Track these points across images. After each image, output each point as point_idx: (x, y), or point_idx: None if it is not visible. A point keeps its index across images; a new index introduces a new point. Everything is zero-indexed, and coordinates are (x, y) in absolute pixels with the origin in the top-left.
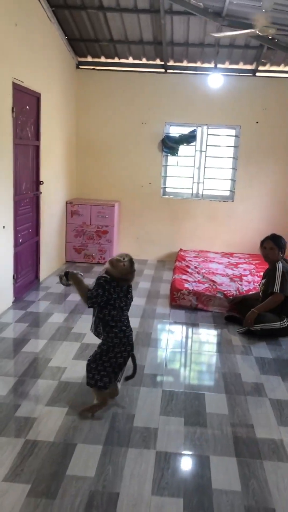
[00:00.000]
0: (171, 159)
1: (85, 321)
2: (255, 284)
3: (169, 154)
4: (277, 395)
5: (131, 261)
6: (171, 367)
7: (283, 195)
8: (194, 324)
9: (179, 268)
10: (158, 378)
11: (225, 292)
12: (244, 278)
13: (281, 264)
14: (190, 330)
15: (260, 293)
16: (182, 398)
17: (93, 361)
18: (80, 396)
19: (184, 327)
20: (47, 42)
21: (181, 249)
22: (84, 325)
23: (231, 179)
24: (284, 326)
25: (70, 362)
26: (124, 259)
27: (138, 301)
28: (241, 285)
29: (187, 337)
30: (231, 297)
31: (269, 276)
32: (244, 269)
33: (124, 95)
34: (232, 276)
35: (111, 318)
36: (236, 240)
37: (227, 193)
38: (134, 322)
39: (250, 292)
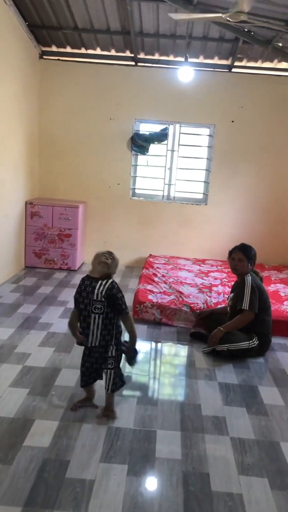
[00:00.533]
0: (141, 159)
1: (33, 337)
2: (225, 296)
3: (138, 153)
4: (240, 431)
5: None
6: (119, 396)
7: (257, 199)
8: (155, 341)
9: (145, 277)
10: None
11: (191, 305)
12: (214, 289)
13: (250, 277)
14: (150, 348)
15: (228, 309)
16: (130, 438)
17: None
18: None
19: (144, 345)
20: (2, 28)
21: (150, 254)
22: (30, 345)
23: (204, 181)
24: (253, 346)
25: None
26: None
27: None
28: (210, 296)
29: (145, 357)
30: (198, 311)
31: (237, 290)
32: (215, 278)
33: (92, 88)
34: (201, 286)
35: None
36: (209, 246)
37: (200, 196)
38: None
39: (219, 306)
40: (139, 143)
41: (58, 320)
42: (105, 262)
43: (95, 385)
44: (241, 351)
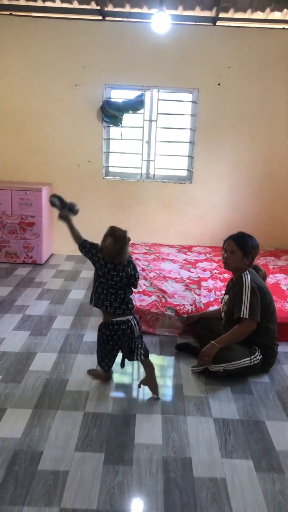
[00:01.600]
0: (114, 131)
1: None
2: (217, 293)
3: (110, 125)
4: (247, 507)
5: (118, 240)
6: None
7: (250, 175)
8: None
9: None
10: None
11: (177, 308)
12: (204, 283)
13: (249, 276)
14: (125, 367)
15: (223, 314)
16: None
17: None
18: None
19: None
20: None
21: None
22: None
23: (188, 156)
24: (255, 362)
25: None
26: (114, 234)
27: (62, 321)
28: (199, 295)
29: (118, 381)
30: (185, 315)
31: (233, 292)
32: (204, 270)
33: (52, 49)
34: (188, 281)
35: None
36: (196, 231)
37: (184, 173)
38: (48, 358)
39: (210, 308)
40: (111, 113)
41: (12, 333)
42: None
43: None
44: (241, 370)
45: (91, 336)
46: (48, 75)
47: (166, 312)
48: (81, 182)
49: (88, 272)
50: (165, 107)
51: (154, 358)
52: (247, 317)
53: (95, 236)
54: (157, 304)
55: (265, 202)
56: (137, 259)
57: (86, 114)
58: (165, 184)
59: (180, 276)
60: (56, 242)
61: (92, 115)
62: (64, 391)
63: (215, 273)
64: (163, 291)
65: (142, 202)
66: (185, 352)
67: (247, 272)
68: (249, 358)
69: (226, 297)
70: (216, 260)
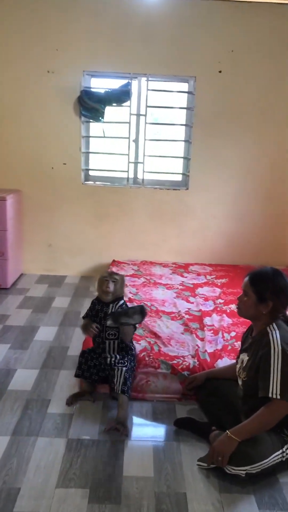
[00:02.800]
0: (95, 127)
1: None
2: (225, 336)
3: (90, 120)
4: None
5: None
6: None
7: (256, 180)
8: (111, 441)
9: None
10: None
11: (174, 362)
12: (207, 321)
13: (277, 333)
14: (100, 454)
15: (240, 382)
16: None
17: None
18: None
19: (86, 449)
20: None
21: (114, 260)
22: None
23: (184, 157)
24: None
25: None
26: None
27: (23, 377)
28: (202, 339)
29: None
30: (186, 374)
31: (256, 354)
32: (206, 299)
33: (18, 28)
34: (187, 318)
35: None
36: (192, 246)
37: (179, 178)
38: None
39: (219, 362)
40: (91, 106)
41: None
42: (107, 292)
43: None
44: (269, 469)
45: (57, 404)
46: (14, 59)
47: (159, 370)
48: (56, 189)
49: (63, 299)
50: (155, 99)
51: (142, 441)
52: (279, 397)
53: (74, 250)
54: (148, 356)
55: (273, 212)
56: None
57: (61, 107)
58: (156, 191)
59: (177, 310)
60: (26, 260)
61: (68, 108)
62: (45, 413)
63: (220, 304)
64: (156, 335)
65: (129, 212)
66: (188, 429)
67: (274, 327)
68: (280, 452)
69: (245, 356)
70: (219, 284)
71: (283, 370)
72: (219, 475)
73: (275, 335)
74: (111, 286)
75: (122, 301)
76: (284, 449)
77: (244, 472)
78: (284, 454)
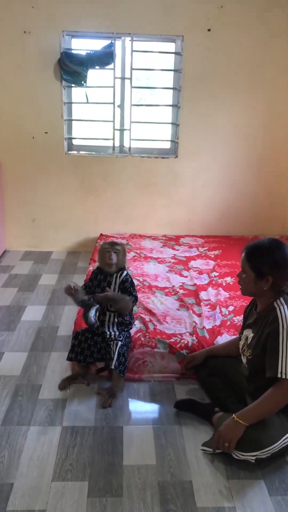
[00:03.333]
0: (77, 93)
1: None
2: (223, 311)
3: (72, 84)
4: None
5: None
6: None
7: (249, 146)
8: (103, 427)
9: None
10: None
11: (171, 340)
12: (203, 295)
13: (285, 308)
14: (97, 442)
15: (244, 360)
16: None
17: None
18: None
19: (82, 437)
20: None
21: (101, 234)
22: None
23: (172, 123)
24: None
25: None
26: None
27: (12, 360)
28: (199, 315)
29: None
30: (184, 353)
31: (262, 331)
32: (200, 272)
33: None
34: (182, 293)
35: None
36: (183, 217)
37: (167, 145)
38: None
39: (219, 339)
40: (72, 69)
41: None
42: (111, 264)
43: None
44: (279, 452)
45: (49, 390)
46: None
47: (156, 349)
48: (38, 160)
49: (50, 277)
50: (141, 60)
51: (141, 425)
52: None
53: (59, 224)
54: (144, 336)
55: (266, 179)
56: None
57: (40, 71)
58: (144, 160)
59: (171, 285)
60: (9, 236)
61: (47, 72)
62: (37, 399)
63: (215, 277)
64: (151, 312)
65: (115, 183)
66: (189, 411)
67: (282, 301)
68: None
69: (250, 333)
70: (212, 256)
71: None
72: (225, 460)
73: (283, 311)
74: (114, 258)
75: (125, 273)
76: None
77: (253, 457)
78: None
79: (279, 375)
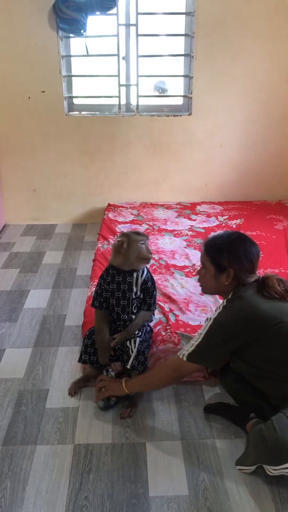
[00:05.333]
0: (76, 44)
1: None
2: None
3: (70, 34)
4: None
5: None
6: None
7: (272, 98)
8: (123, 444)
9: (102, 258)
10: None
11: (194, 334)
12: None
13: (224, 302)
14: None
15: None
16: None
17: None
18: None
19: (98, 458)
20: None
21: (109, 204)
22: None
23: (185, 76)
24: None
25: None
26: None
27: (14, 358)
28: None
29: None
30: None
31: None
32: None
33: None
34: None
35: None
36: (198, 182)
37: (180, 102)
38: None
39: None
40: (69, 15)
41: None
42: (149, 259)
43: None
44: None
45: (57, 396)
46: None
47: (179, 347)
48: (35, 123)
49: (54, 254)
50: (148, 3)
51: (168, 440)
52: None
53: (63, 194)
54: (163, 332)
55: None
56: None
57: (33, 19)
58: (154, 119)
59: (191, 263)
60: (9, 208)
61: (41, 20)
62: (44, 409)
63: None
64: (171, 299)
65: (123, 146)
66: (220, 415)
67: (229, 298)
68: None
69: None
70: (234, 226)
71: (205, 337)
72: (272, 482)
73: (222, 304)
74: (151, 252)
75: (146, 271)
76: None
77: None
78: None
79: (180, 355)
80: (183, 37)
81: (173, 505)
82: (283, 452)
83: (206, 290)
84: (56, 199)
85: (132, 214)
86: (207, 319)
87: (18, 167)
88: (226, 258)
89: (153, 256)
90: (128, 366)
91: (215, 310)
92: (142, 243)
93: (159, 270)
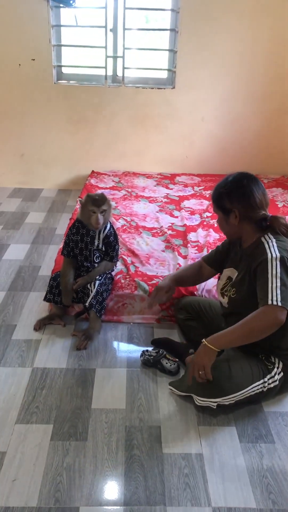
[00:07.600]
0: (66, 14)
1: None
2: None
3: (60, 4)
4: None
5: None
6: None
7: (253, 74)
8: (75, 369)
9: None
10: None
11: (152, 282)
12: (191, 236)
13: (273, 241)
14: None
15: (226, 302)
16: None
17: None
18: None
19: (52, 379)
20: None
21: (93, 171)
22: None
23: (169, 50)
24: (273, 385)
25: None
26: None
27: None
28: (184, 257)
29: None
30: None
31: (248, 268)
32: (192, 212)
33: None
34: (169, 234)
35: None
36: (180, 154)
37: (164, 75)
38: None
39: (202, 285)
40: None
41: None
42: (97, 227)
43: None
44: (247, 399)
45: (23, 330)
46: None
47: (136, 293)
48: (24, 90)
49: (37, 215)
50: None
51: (115, 368)
52: (279, 304)
53: (49, 160)
54: (124, 278)
55: (271, 114)
56: None
57: None
58: (139, 91)
59: (159, 225)
60: None
61: None
62: (10, 340)
63: (207, 218)
64: (133, 253)
65: (108, 116)
66: (165, 349)
67: (270, 236)
68: (261, 382)
69: (233, 272)
70: (207, 196)
71: (282, 278)
72: (198, 406)
73: (271, 243)
74: (101, 220)
75: (109, 226)
76: (266, 379)
77: (215, 403)
78: (266, 384)
79: (270, 302)
80: (169, 11)
81: (111, 415)
82: (212, 388)
83: (227, 235)
84: (43, 164)
85: (113, 181)
86: (256, 267)
87: (7, 132)
88: (227, 201)
89: (126, 218)
90: (87, 304)
91: (252, 260)
92: (94, 212)
93: (129, 230)
